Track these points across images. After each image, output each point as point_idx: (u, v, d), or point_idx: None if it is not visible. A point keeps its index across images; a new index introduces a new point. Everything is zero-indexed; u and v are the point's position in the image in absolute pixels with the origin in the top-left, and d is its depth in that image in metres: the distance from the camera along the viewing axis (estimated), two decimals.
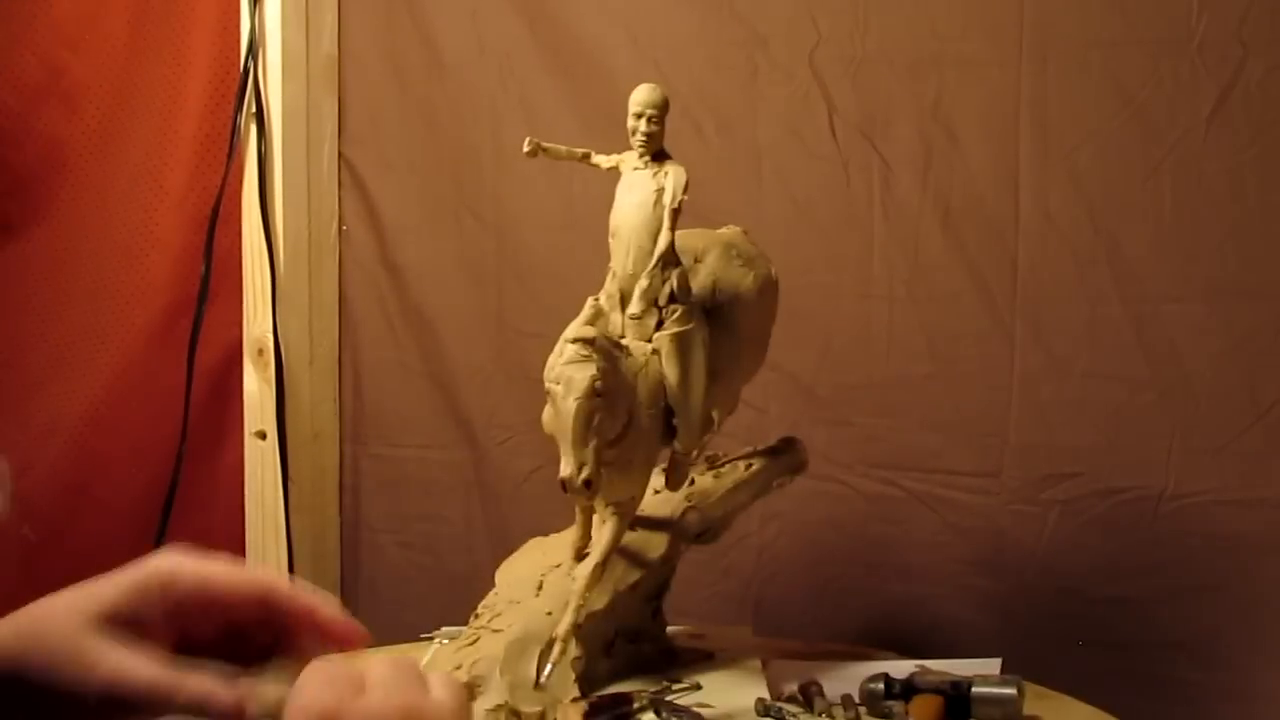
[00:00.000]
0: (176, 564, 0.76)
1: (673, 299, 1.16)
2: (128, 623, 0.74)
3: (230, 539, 1.75)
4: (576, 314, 1.15)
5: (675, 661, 1.28)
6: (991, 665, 1.35)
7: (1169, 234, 1.50)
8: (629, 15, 1.67)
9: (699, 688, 1.22)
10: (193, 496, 1.73)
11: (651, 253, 1.13)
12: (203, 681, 0.72)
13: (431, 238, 1.77)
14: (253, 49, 1.68)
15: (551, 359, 1.06)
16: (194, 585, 0.76)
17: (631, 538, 1.22)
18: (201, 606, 0.76)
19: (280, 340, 1.71)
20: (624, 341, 1.14)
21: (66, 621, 0.73)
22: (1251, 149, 1.47)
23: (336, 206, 1.79)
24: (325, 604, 0.77)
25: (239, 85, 1.69)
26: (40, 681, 0.72)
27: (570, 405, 1.03)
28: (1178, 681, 1.51)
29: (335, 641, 0.77)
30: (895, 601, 1.62)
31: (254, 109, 1.69)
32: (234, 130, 1.69)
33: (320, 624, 0.77)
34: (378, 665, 0.68)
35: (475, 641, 1.12)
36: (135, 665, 0.73)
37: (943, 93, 1.57)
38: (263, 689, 0.71)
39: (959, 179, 1.57)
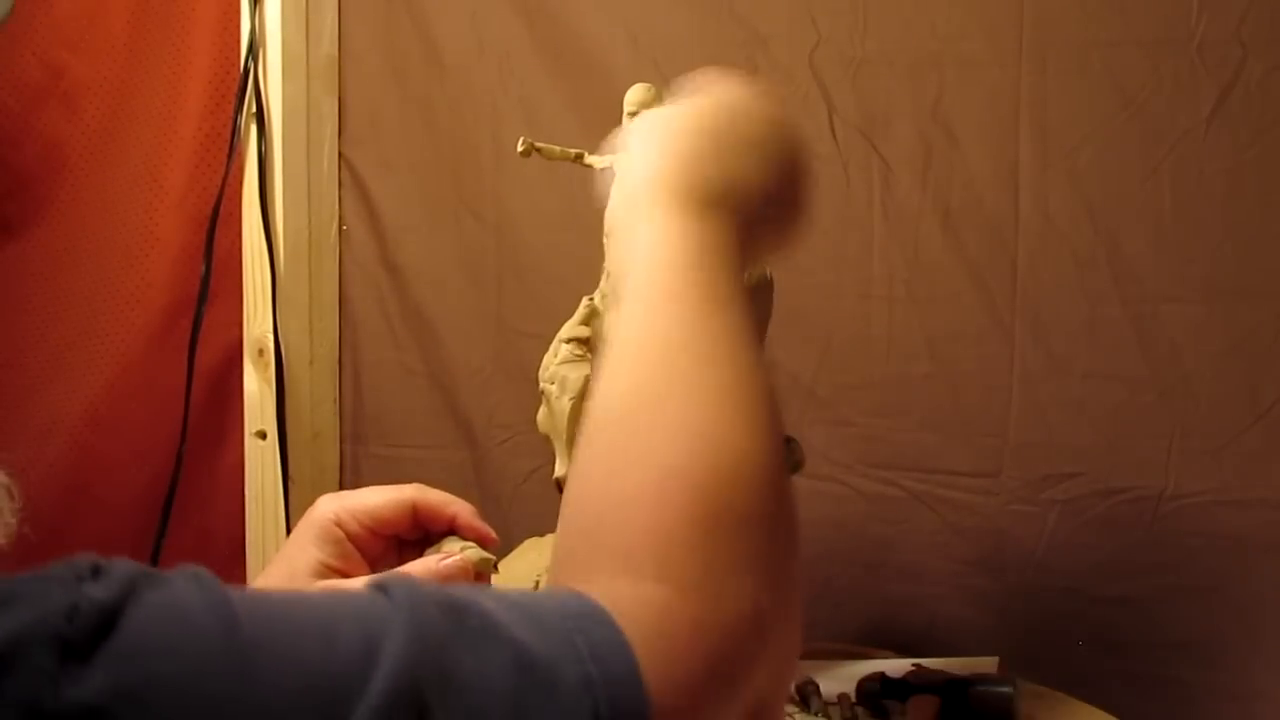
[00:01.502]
0: (339, 507, 0.91)
1: None
2: (333, 569, 0.90)
3: (230, 539, 1.75)
4: None
5: None
6: (988, 664, 1.36)
7: (1169, 234, 1.50)
8: (629, 15, 1.67)
9: None
10: (193, 496, 1.73)
11: None
12: (424, 563, 0.90)
13: (431, 238, 1.78)
14: (253, 49, 1.68)
15: (546, 359, 1.06)
16: (361, 516, 0.92)
17: None
18: (370, 529, 0.91)
19: (280, 340, 1.71)
20: None
21: (291, 589, 0.87)
22: (1251, 149, 1.46)
23: (336, 206, 1.79)
24: (463, 510, 0.93)
25: (239, 85, 1.69)
26: None
27: (564, 405, 1.03)
28: (1178, 681, 1.51)
29: (474, 539, 0.93)
30: (894, 601, 1.62)
31: (254, 109, 1.69)
32: (234, 130, 1.69)
33: (460, 527, 0.93)
34: None
35: None
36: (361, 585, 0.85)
37: (943, 93, 1.57)
38: (467, 551, 0.91)
39: (959, 179, 1.57)
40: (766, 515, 0.63)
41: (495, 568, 0.94)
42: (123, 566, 0.53)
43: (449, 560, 0.92)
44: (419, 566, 0.92)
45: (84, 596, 0.50)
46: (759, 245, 0.82)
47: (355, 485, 1.81)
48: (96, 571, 0.52)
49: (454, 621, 0.55)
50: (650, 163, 0.78)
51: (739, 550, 0.61)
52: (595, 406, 0.68)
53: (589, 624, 0.56)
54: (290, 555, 0.93)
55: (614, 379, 0.68)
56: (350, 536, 0.93)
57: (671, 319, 0.69)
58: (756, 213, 0.79)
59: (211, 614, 0.52)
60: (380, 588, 0.57)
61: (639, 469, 0.62)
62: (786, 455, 1.23)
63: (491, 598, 0.57)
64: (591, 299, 1.16)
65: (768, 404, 0.68)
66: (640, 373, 0.67)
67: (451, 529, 0.95)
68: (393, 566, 0.93)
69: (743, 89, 0.84)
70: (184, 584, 0.53)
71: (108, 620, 0.50)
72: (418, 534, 0.96)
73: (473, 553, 0.93)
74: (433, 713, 0.52)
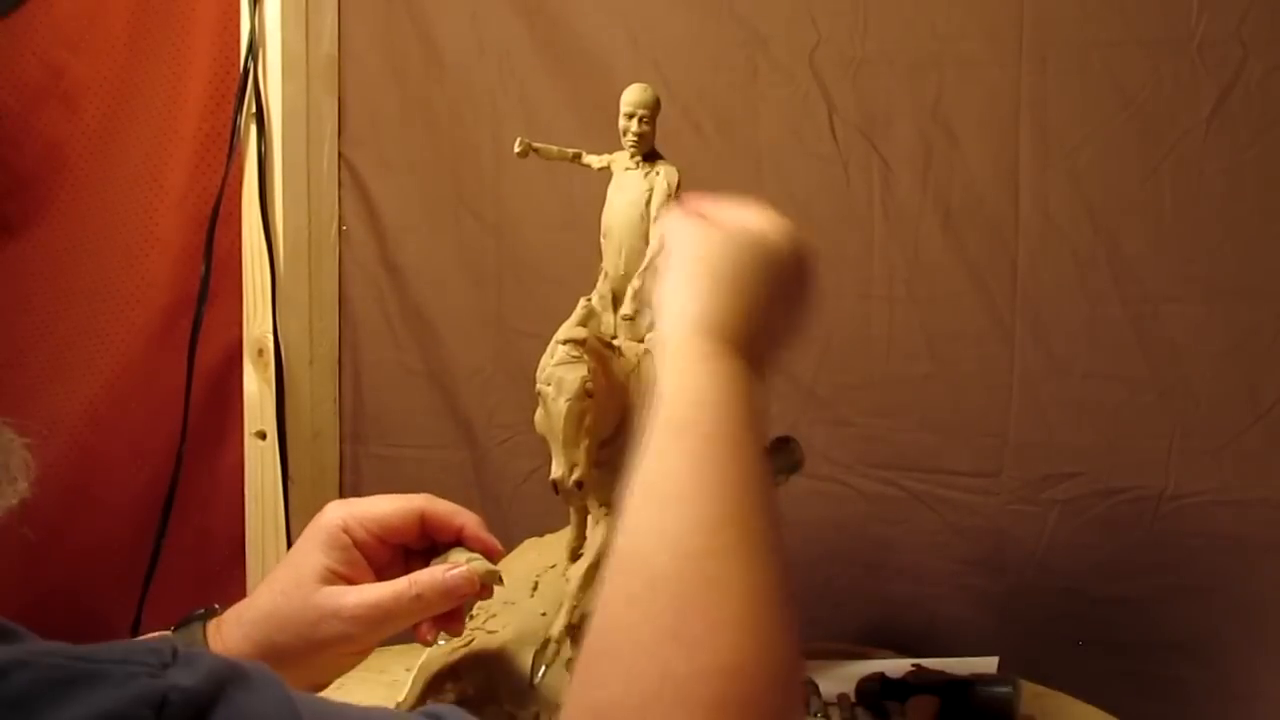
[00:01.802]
0: (347, 514, 0.93)
1: None
2: (339, 575, 0.92)
3: (230, 539, 1.75)
4: None
5: None
6: (989, 664, 1.36)
7: (1169, 234, 1.50)
8: (629, 15, 1.67)
9: None
10: (193, 496, 1.73)
11: (643, 253, 1.13)
12: (431, 573, 0.92)
13: (431, 238, 1.78)
14: (253, 49, 1.68)
15: (543, 360, 1.06)
16: (369, 524, 0.94)
17: None
18: (377, 537, 0.94)
19: (280, 340, 1.71)
20: (616, 342, 1.14)
21: (297, 594, 0.91)
22: (1251, 149, 1.46)
23: (336, 206, 1.79)
24: (470, 521, 0.97)
25: (239, 85, 1.69)
26: (294, 646, 0.91)
27: (561, 406, 1.02)
28: (1178, 681, 1.51)
29: (480, 550, 0.96)
30: (895, 601, 1.62)
31: (254, 109, 1.69)
32: (234, 130, 1.69)
33: (467, 538, 0.96)
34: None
35: (470, 643, 1.12)
36: (367, 592, 0.92)
37: (943, 93, 1.57)
38: (473, 563, 0.93)
39: (959, 179, 1.57)
40: (788, 711, 0.64)
41: (500, 580, 0.94)
42: (207, 659, 0.54)
43: (455, 571, 0.92)
44: (426, 576, 0.92)
45: (173, 687, 0.51)
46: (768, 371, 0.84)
47: (355, 485, 1.82)
48: (174, 655, 0.53)
49: None
50: (693, 304, 0.79)
51: None
52: (628, 556, 0.67)
53: None
54: (296, 560, 0.93)
55: (650, 534, 0.67)
56: (357, 544, 0.93)
57: (708, 491, 0.69)
58: (775, 353, 0.84)
59: None
60: (433, 715, 0.58)
61: (672, 658, 0.61)
62: (785, 456, 1.23)
63: None
64: (589, 300, 1.16)
65: (788, 589, 0.68)
66: (680, 537, 0.66)
67: (458, 540, 0.96)
68: (399, 575, 0.94)
69: (779, 232, 0.87)
70: (261, 689, 0.55)
71: (197, 715, 0.51)
72: (425, 543, 0.97)
73: (479, 564, 0.93)
74: None
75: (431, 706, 0.60)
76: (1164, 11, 1.48)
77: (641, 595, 0.64)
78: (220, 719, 0.51)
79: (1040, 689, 1.37)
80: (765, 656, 0.62)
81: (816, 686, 1.30)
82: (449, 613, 0.96)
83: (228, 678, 0.54)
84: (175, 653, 0.54)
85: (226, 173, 1.69)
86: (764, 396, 0.77)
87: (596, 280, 1.19)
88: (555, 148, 1.21)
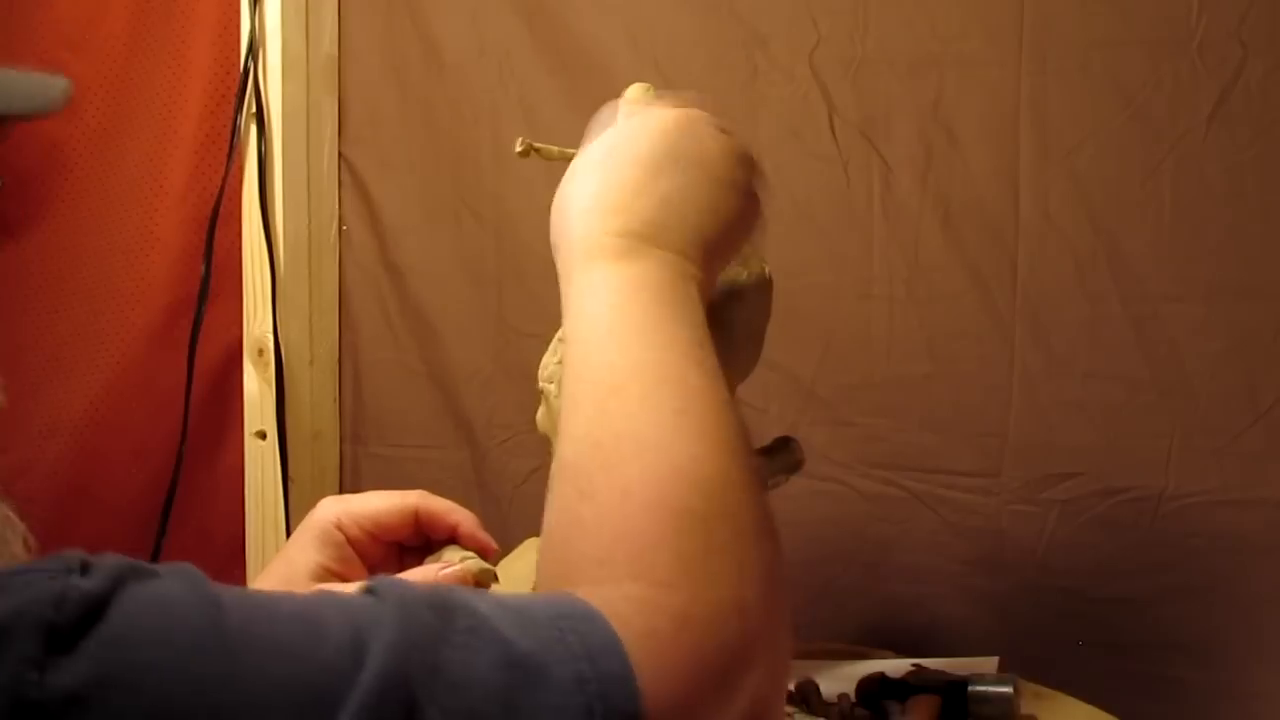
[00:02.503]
0: (342, 510, 0.94)
1: None
2: (332, 572, 0.91)
3: (230, 539, 1.75)
4: None
5: None
6: (989, 664, 1.35)
7: (1169, 234, 1.50)
8: (629, 15, 1.67)
9: None
10: (193, 496, 1.73)
11: None
12: (424, 572, 0.91)
13: (431, 238, 1.78)
14: (253, 49, 1.68)
15: (545, 358, 1.06)
16: (363, 521, 0.94)
17: None
18: (371, 534, 0.93)
19: (280, 340, 1.72)
20: None
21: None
22: (1251, 149, 1.46)
23: (336, 206, 1.79)
24: (466, 519, 0.96)
25: (239, 85, 1.69)
26: None
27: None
28: (1178, 681, 1.51)
29: (475, 549, 0.95)
30: (895, 601, 1.61)
31: (254, 109, 1.70)
32: (234, 130, 1.69)
33: (462, 536, 0.95)
34: None
35: None
36: None
37: (943, 93, 1.57)
38: (468, 561, 0.93)
39: (959, 179, 1.57)
40: (728, 514, 0.65)
41: (495, 578, 0.94)
42: (111, 560, 0.54)
43: (449, 569, 0.92)
44: (419, 574, 0.92)
45: (72, 587, 0.51)
46: (724, 253, 0.86)
47: (355, 485, 1.82)
48: (85, 566, 0.53)
49: (444, 620, 0.56)
50: (586, 205, 0.83)
51: (707, 546, 0.63)
52: (559, 450, 0.71)
53: (581, 623, 0.57)
54: (290, 556, 0.93)
55: (573, 420, 0.71)
56: (351, 541, 0.93)
57: (615, 356, 0.72)
58: (709, 234, 0.83)
59: (198, 605, 0.53)
60: (369, 589, 0.58)
61: (604, 491, 0.65)
62: (785, 456, 1.23)
63: (483, 599, 0.59)
64: None
65: (719, 414, 0.70)
66: (595, 411, 0.70)
67: (453, 538, 0.95)
68: (393, 573, 0.93)
69: (678, 112, 0.88)
70: (171, 578, 0.54)
71: (95, 610, 0.50)
72: (419, 540, 0.96)
73: (473, 563, 0.93)
74: (422, 708, 0.52)
75: (372, 580, 0.61)
76: (1164, 11, 1.47)
77: (560, 483, 0.69)
78: (120, 608, 0.50)
79: (1040, 689, 1.36)
80: (674, 467, 0.65)
81: (816, 686, 1.30)
82: None
83: (129, 574, 0.53)
84: (85, 562, 0.54)
85: (226, 173, 1.70)
86: (665, 265, 0.79)
87: None
88: (556, 148, 1.21)
